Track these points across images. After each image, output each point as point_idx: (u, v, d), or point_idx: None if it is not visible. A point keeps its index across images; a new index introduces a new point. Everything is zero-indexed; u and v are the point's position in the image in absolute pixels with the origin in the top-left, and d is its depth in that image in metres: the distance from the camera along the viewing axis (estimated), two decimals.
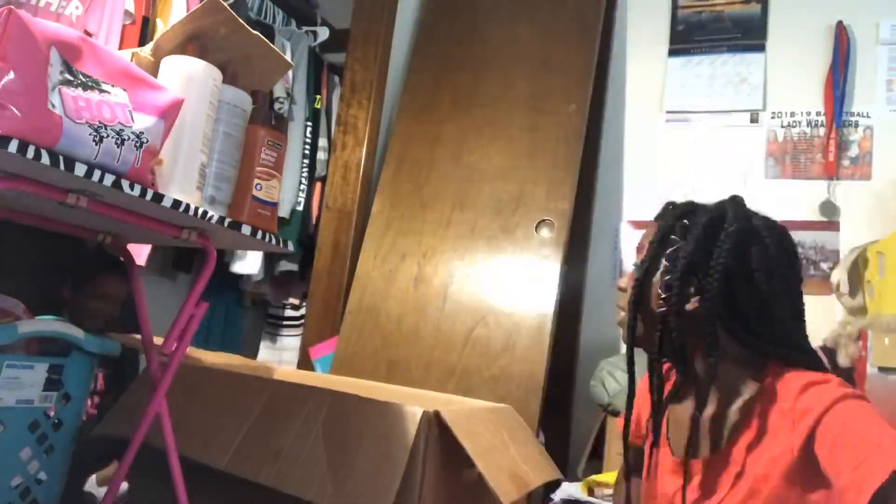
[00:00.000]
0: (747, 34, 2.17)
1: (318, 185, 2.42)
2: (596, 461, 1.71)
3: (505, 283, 1.79)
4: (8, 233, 1.30)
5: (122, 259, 1.24)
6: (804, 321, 0.95)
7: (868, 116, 1.98)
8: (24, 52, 0.76)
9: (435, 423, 1.04)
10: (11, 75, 0.74)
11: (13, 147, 0.72)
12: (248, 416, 1.16)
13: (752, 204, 0.97)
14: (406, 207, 2.01)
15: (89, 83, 0.84)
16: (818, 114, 2.04)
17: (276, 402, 1.16)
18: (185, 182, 1.00)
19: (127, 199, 0.89)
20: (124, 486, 1.27)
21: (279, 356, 2.53)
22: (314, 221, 2.38)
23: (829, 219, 1.95)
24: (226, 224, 1.03)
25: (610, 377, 1.72)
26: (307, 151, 2.39)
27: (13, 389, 1.02)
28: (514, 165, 1.93)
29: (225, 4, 1.07)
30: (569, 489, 1.46)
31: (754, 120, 2.11)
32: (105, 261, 1.72)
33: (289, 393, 1.17)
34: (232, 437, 1.14)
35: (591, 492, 1.44)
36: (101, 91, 0.85)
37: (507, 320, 1.74)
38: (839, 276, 1.82)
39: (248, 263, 2.31)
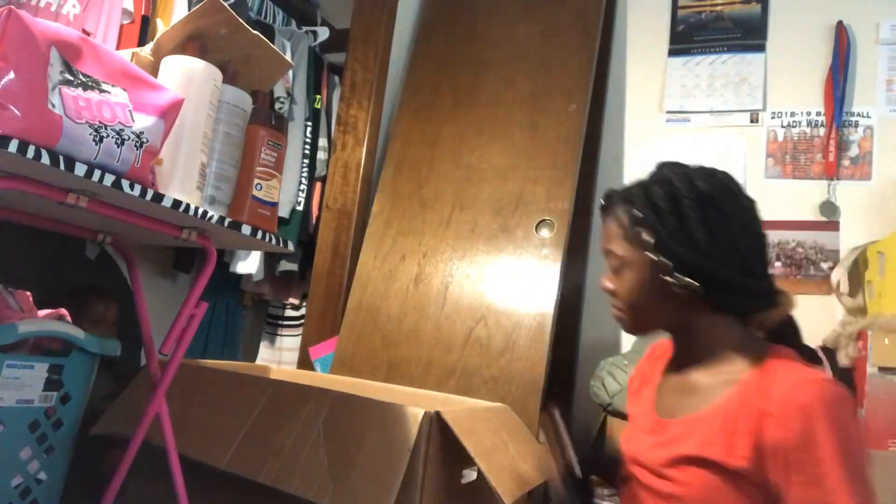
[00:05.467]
0: (747, 34, 2.17)
1: (318, 185, 2.42)
2: None
3: (505, 283, 1.79)
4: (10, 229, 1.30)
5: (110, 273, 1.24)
6: (764, 255, 0.94)
7: (868, 116, 1.98)
8: (25, 52, 0.76)
9: (436, 424, 1.04)
10: (11, 75, 0.74)
11: (13, 147, 0.72)
12: (249, 415, 1.16)
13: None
14: (406, 207, 2.01)
15: (89, 83, 0.84)
16: (818, 114, 2.04)
17: (277, 402, 1.16)
18: (185, 182, 1.00)
19: (127, 199, 0.89)
20: None
21: (279, 356, 2.53)
22: (314, 221, 2.38)
23: (829, 219, 1.95)
24: (226, 224, 1.03)
25: (610, 377, 1.72)
26: (307, 151, 2.39)
27: (13, 389, 1.02)
28: (514, 165, 1.93)
29: (225, 4, 1.07)
30: None
31: (754, 120, 2.11)
32: (86, 286, 1.73)
33: (289, 393, 1.17)
34: (232, 437, 1.13)
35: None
36: (102, 91, 0.85)
37: (507, 320, 1.74)
38: (839, 276, 1.82)
39: (248, 263, 2.31)
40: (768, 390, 0.82)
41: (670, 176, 0.95)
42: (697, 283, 0.88)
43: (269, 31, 2.31)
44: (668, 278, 0.89)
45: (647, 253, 0.91)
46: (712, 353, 0.92)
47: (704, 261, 0.88)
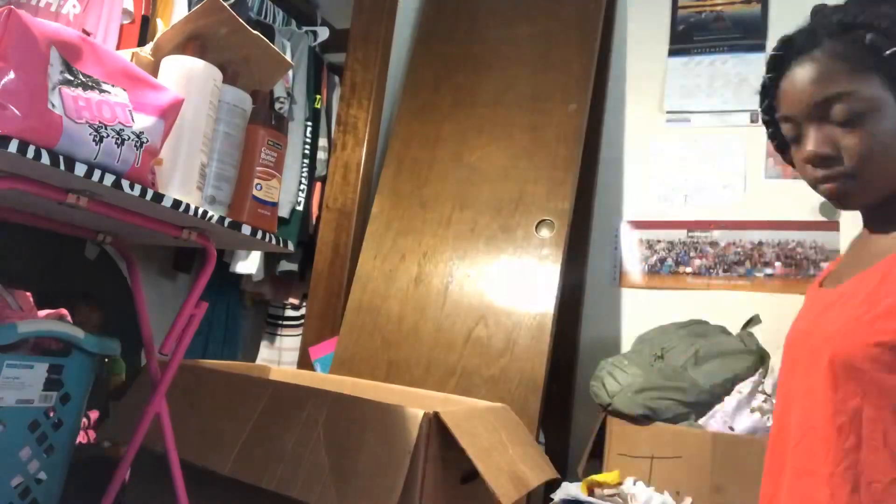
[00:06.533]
0: (747, 34, 2.17)
1: (318, 185, 2.42)
2: (596, 461, 1.71)
3: (505, 282, 1.79)
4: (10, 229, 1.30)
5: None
6: None
7: None
8: (25, 52, 0.75)
9: (435, 425, 1.04)
10: (11, 75, 0.74)
11: (13, 147, 0.72)
12: (249, 418, 1.16)
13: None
14: (406, 207, 2.01)
15: (89, 83, 0.83)
16: None
17: (277, 404, 1.16)
18: (185, 182, 1.00)
19: (127, 199, 0.89)
20: None
21: (279, 356, 2.53)
22: (314, 221, 2.38)
23: (829, 219, 1.95)
24: (226, 224, 1.03)
25: (610, 377, 1.71)
26: (307, 151, 2.39)
27: (13, 389, 1.02)
28: (514, 165, 1.93)
29: (225, 4, 1.06)
30: (569, 489, 1.45)
31: (754, 120, 2.10)
32: (75, 292, 1.72)
33: (289, 395, 1.17)
34: (233, 441, 1.13)
35: (591, 492, 1.44)
36: (102, 91, 0.85)
37: (507, 320, 1.74)
38: None
39: (248, 263, 2.31)
40: None
41: None
42: None
43: (269, 31, 2.31)
44: None
45: None
46: None
47: None
